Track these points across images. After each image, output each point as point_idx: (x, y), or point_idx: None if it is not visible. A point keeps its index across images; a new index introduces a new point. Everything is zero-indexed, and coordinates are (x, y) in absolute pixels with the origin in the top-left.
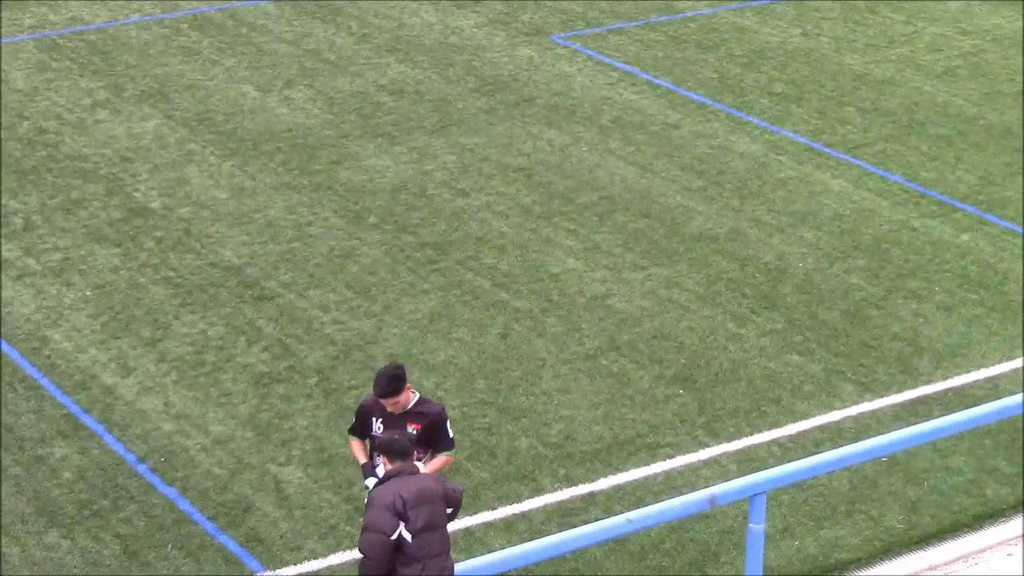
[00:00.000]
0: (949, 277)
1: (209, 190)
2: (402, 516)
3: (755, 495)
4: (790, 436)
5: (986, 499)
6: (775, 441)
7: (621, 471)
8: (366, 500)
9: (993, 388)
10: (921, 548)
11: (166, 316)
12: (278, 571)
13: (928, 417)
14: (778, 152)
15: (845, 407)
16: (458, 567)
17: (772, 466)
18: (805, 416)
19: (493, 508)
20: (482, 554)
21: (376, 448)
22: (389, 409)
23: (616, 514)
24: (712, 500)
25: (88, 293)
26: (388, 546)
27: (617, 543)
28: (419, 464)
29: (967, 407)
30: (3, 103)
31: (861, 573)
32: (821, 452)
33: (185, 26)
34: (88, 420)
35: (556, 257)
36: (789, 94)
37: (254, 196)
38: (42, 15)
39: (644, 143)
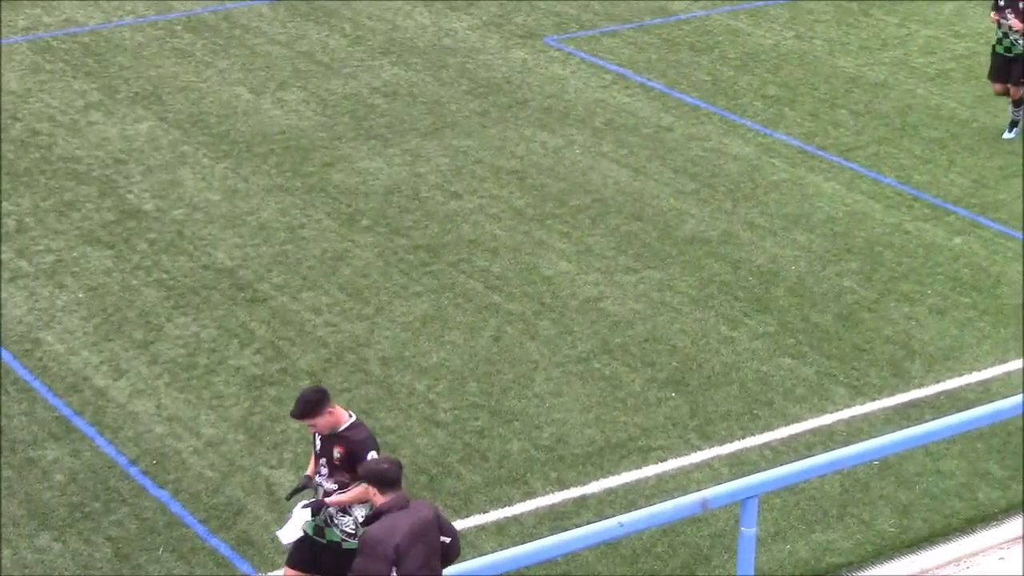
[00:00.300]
0: (942, 280)
1: (202, 192)
2: (395, 563)
3: (747, 498)
4: (782, 439)
5: (978, 503)
6: (767, 444)
7: (613, 474)
8: (357, 540)
9: (985, 391)
10: (913, 552)
11: (159, 318)
12: (269, 574)
13: (920, 420)
14: (771, 155)
15: (837, 410)
16: (450, 570)
17: (764, 469)
18: (797, 419)
19: (484, 511)
20: (473, 557)
21: (363, 477)
22: (313, 431)
23: (608, 517)
24: (704, 503)
25: (81, 295)
26: None
27: (609, 546)
28: (337, 491)
29: (959, 410)
30: None
31: None
32: (813, 455)
33: (179, 28)
34: (80, 422)
35: (549, 260)
36: (782, 97)
37: (247, 198)
38: (35, 16)
39: (637, 146)
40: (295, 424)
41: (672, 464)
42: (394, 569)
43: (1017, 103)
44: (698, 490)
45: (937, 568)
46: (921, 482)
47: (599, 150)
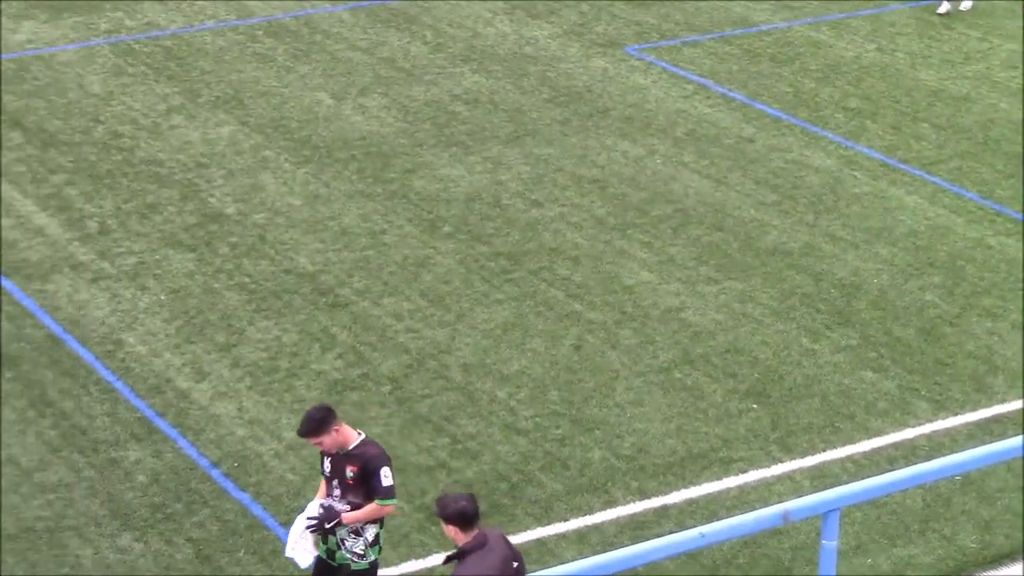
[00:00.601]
0: None
1: (284, 197)
2: None
3: (828, 511)
4: (864, 453)
5: None
6: (849, 457)
7: (694, 485)
8: (366, 563)
9: None
10: (994, 568)
11: (240, 322)
12: None
13: (1002, 436)
14: (853, 167)
15: (919, 424)
16: None
17: (846, 482)
18: (879, 433)
19: (565, 519)
20: (554, 565)
21: (446, 520)
22: (321, 449)
23: (689, 528)
24: (785, 516)
25: (163, 297)
26: None
27: (689, 557)
28: (345, 509)
29: None
30: (80, 107)
31: None
32: (895, 469)
33: (260, 33)
34: (162, 424)
35: (630, 269)
36: (864, 109)
37: (328, 203)
38: (118, 20)
39: (718, 156)
40: (376, 429)
41: (753, 476)
42: None
43: None
44: (779, 502)
45: None
46: (1003, 498)
47: (680, 160)
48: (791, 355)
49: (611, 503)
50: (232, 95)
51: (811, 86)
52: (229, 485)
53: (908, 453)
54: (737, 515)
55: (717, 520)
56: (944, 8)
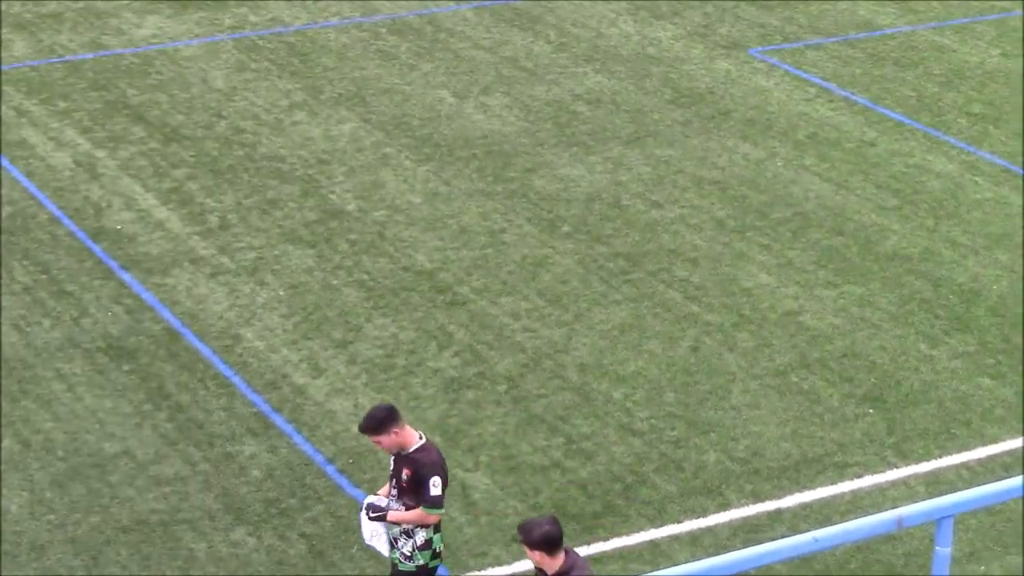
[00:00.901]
0: None
1: (404, 194)
2: None
3: (943, 518)
4: (980, 460)
5: None
6: (964, 464)
7: (808, 489)
8: (412, 564)
9: None
10: None
11: (358, 318)
12: (464, 574)
13: None
14: (975, 173)
15: None
16: None
17: (961, 489)
18: (995, 440)
19: (679, 521)
20: (667, 567)
21: (532, 547)
22: (379, 447)
23: (802, 532)
24: (900, 521)
25: (281, 293)
26: None
27: (802, 561)
28: (394, 507)
29: None
30: (202, 102)
31: None
32: (1011, 477)
33: (383, 30)
34: (278, 419)
35: (748, 272)
36: (987, 115)
37: (448, 201)
38: (242, 15)
39: (839, 160)
40: (491, 428)
41: (868, 481)
42: None
43: None
44: (894, 507)
45: None
46: None
47: (801, 163)
48: (908, 360)
49: (725, 506)
50: (354, 92)
51: (934, 91)
52: (344, 481)
53: None
54: (851, 520)
55: (831, 524)
56: None
